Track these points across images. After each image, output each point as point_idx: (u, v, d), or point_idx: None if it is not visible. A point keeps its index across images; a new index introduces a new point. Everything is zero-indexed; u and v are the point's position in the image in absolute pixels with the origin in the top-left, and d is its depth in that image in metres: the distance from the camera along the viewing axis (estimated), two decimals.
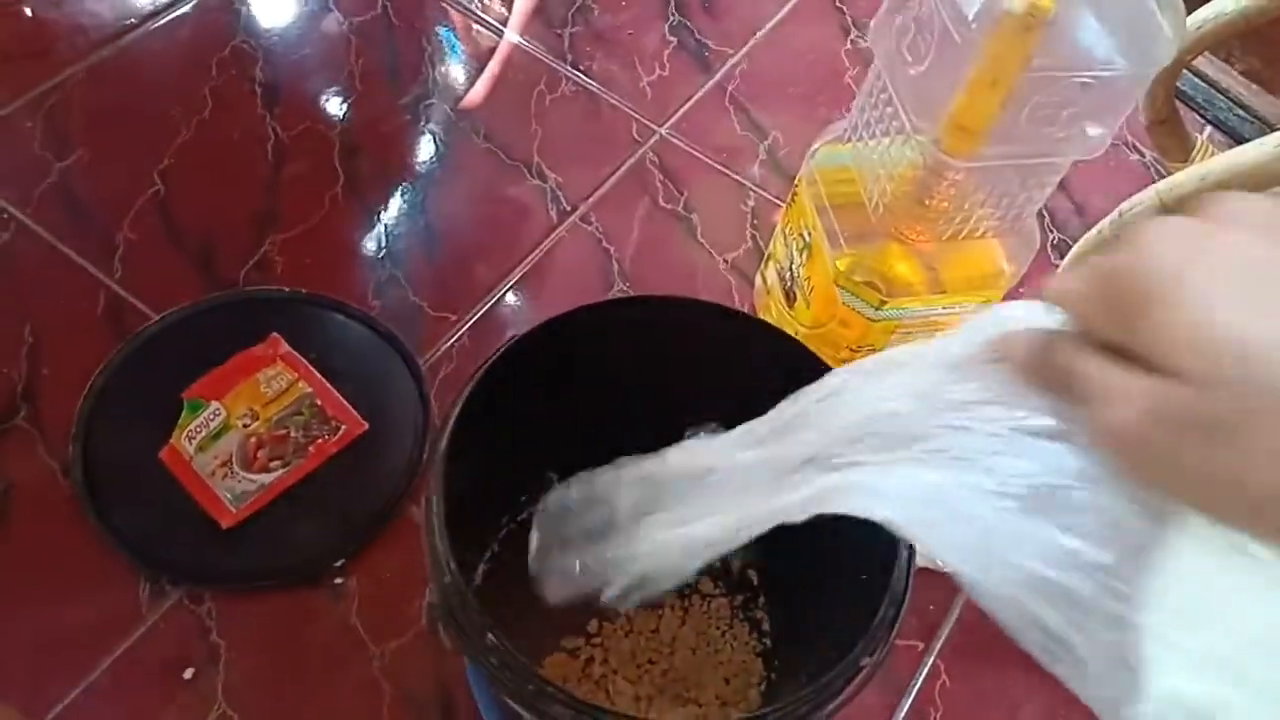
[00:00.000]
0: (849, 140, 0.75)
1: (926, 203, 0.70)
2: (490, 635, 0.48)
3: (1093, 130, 0.66)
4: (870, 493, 0.35)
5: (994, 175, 0.67)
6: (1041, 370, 0.32)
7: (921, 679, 0.76)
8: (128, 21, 1.01)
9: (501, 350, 0.57)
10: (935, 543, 0.34)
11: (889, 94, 0.68)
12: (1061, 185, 0.75)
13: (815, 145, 0.78)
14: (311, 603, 0.72)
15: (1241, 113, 1.14)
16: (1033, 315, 0.34)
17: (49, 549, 0.72)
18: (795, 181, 0.79)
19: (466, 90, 1.03)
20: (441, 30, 1.08)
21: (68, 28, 1.00)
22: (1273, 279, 0.25)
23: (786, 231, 0.81)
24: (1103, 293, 0.28)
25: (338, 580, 0.73)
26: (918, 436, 0.35)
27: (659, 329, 0.64)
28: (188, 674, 0.68)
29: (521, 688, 0.47)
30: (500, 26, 1.09)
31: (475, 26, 1.09)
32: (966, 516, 0.33)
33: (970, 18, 0.58)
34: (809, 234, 0.77)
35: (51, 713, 0.66)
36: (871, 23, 0.70)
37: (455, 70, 1.05)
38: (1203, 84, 1.15)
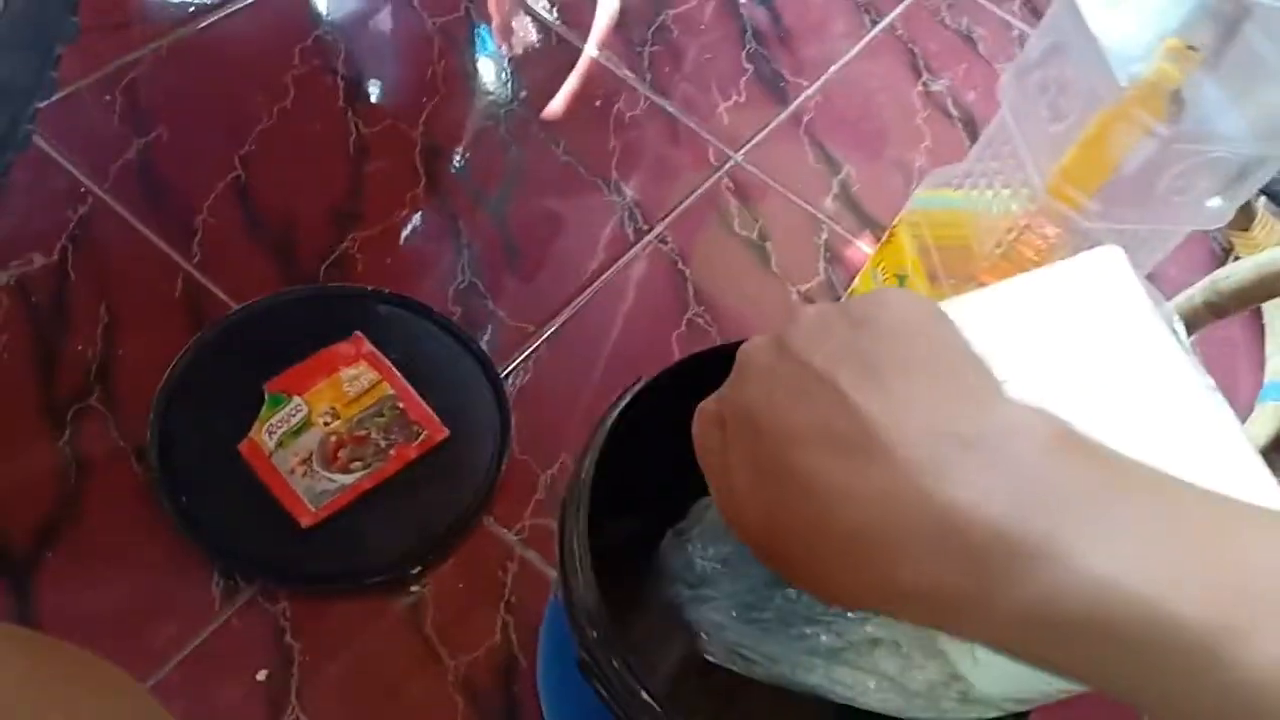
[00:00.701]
0: (961, 187, 0.75)
1: (1037, 257, 0.70)
2: (645, 694, 0.47)
3: (1213, 203, 0.67)
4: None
5: (1115, 237, 0.68)
6: None
7: None
8: (208, 1, 1.00)
9: (644, 384, 0.56)
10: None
11: (1012, 147, 0.69)
12: None
13: (918, 188, 0.78)
14: (387, 610, 0.70)
15: None
16: None
17: (121, 533, 0.70)
18: (894, 221, 0.79)
19: (546, 101, 1.02)
20: (522, 38, 1.07)
21: (147, 3, 0.99)
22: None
23: (879, 270, 0.81)
24: None
25: (413, 588, 0.71)
26: None
27: None
28: (261, 675, 0.66)
29: None
30: (581, 40, 1.08)
31: (555, 37, 1.08)
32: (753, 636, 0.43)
33: (1122, 81, 0.59)
34: (906, 274, 0.77)
35: None
36: (1002, 78, 0.70)
37: (536, 79, 1.04)
38: None
